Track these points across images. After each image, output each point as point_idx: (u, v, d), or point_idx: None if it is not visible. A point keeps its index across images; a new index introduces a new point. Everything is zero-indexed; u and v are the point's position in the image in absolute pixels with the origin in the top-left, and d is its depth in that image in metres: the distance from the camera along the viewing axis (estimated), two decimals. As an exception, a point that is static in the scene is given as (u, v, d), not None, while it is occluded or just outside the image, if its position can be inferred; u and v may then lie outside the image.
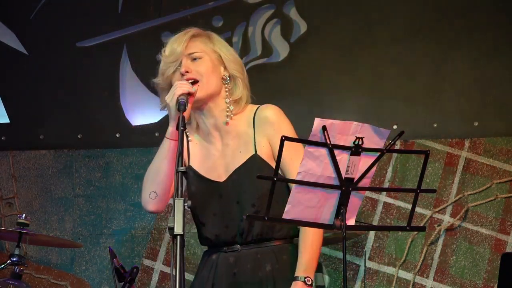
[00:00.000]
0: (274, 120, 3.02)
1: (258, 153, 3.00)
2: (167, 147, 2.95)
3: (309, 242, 2.95)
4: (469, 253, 5.05)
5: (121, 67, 5.48)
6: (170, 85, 3.01)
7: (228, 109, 3.04)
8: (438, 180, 5.11)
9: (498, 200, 5.05)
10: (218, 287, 2.97)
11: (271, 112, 3.03)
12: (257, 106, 3.07)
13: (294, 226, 3.02)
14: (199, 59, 3.01)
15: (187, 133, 2.86)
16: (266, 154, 3.00)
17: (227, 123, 3.04)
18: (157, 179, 2.96)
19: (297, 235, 3.03)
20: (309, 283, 2.93)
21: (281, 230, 3.01)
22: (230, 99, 3.04)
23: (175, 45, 3.01)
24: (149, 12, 5.45)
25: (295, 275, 2.94)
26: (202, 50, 3.02)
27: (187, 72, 2.99)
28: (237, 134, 3.04)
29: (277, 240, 3.01)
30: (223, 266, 2.99)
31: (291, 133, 3.00)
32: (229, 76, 3.05)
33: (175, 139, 2.90)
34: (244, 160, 2.99)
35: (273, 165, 2.95)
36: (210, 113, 3.04)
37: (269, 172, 2.87)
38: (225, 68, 3.05)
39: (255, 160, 2.99)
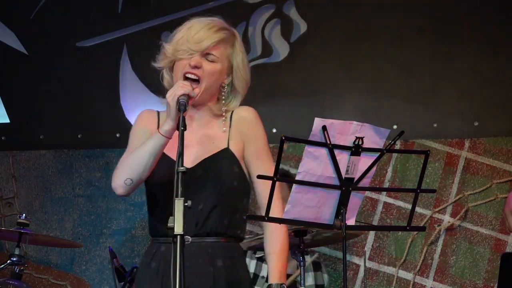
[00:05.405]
0: (252, 121, 3.03)
1: (230, 148, 2.99)
2: (158, 143, 2.88)
3: (283, 249, 2.96)
4: (469, 253, 5.05)
5: (121, 67, 5.48)
6: (169, 63, 3.00)
7: (220, 114, 3.03)
8: (438, 180, 5.11)
9: (498, 200, 5.05)
10: (169, 280, 2.70)
11: (249, 113, 3.05)
12: None
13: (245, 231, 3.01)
14: (212, 62, 2.98)
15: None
16: (237, 151, 2.99)
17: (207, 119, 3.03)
18: (137, 169, 2.89)
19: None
20: None
21: (235, 229, 2.98)
22: (224, 108, 3.03)
23: (205, 37, 2.98)
24: (149, 12, 5.45)
25: (270, 282, 2.93)
26: (220, 55, 3.00)
27: (196, 67, 2.95)
28: (212, 126, 3.03)
29: (229, 237, 2.97)
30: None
31: (265, 138, 3.04)
32: (228, 84, 3.03)
33: (169, 137, 2.86)
34: (216, 151, 2.98)
35: (242, 163, 2.99)
36: (196, 110, 3.02)
37: (237, 168, 2.95)
38: (228, 76, 3.03)
39: (226, 153, 2.98)
